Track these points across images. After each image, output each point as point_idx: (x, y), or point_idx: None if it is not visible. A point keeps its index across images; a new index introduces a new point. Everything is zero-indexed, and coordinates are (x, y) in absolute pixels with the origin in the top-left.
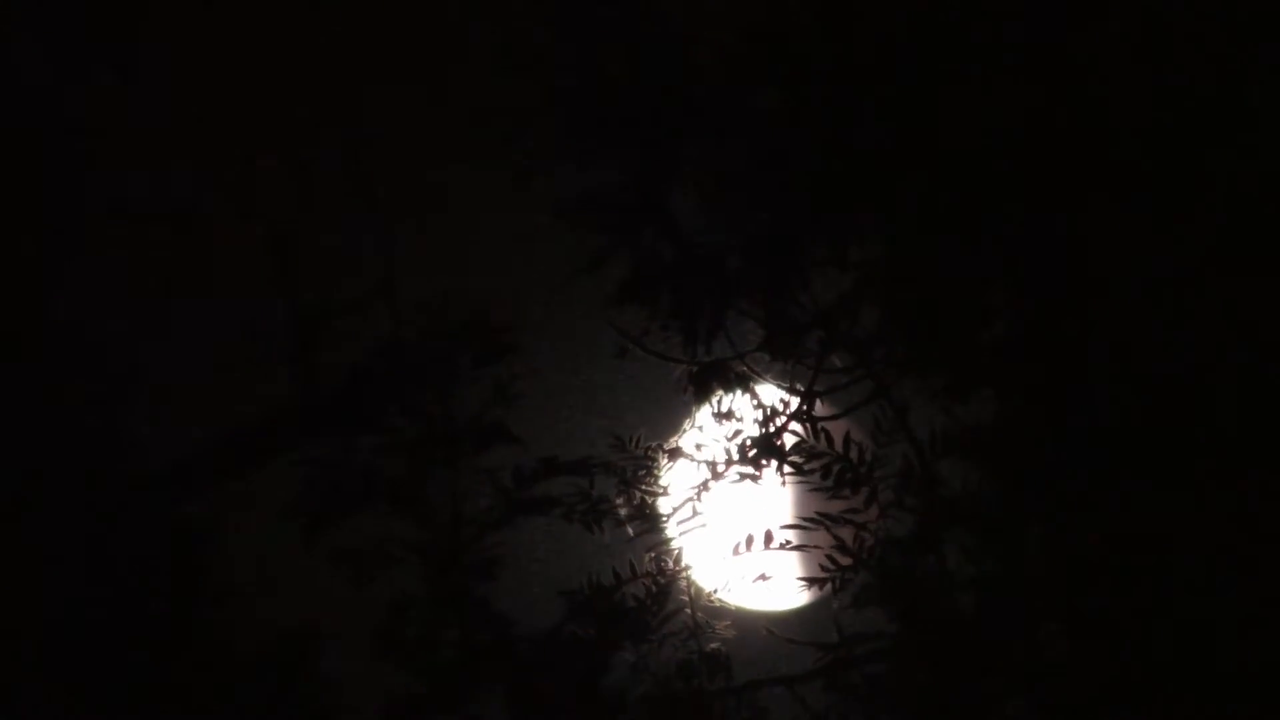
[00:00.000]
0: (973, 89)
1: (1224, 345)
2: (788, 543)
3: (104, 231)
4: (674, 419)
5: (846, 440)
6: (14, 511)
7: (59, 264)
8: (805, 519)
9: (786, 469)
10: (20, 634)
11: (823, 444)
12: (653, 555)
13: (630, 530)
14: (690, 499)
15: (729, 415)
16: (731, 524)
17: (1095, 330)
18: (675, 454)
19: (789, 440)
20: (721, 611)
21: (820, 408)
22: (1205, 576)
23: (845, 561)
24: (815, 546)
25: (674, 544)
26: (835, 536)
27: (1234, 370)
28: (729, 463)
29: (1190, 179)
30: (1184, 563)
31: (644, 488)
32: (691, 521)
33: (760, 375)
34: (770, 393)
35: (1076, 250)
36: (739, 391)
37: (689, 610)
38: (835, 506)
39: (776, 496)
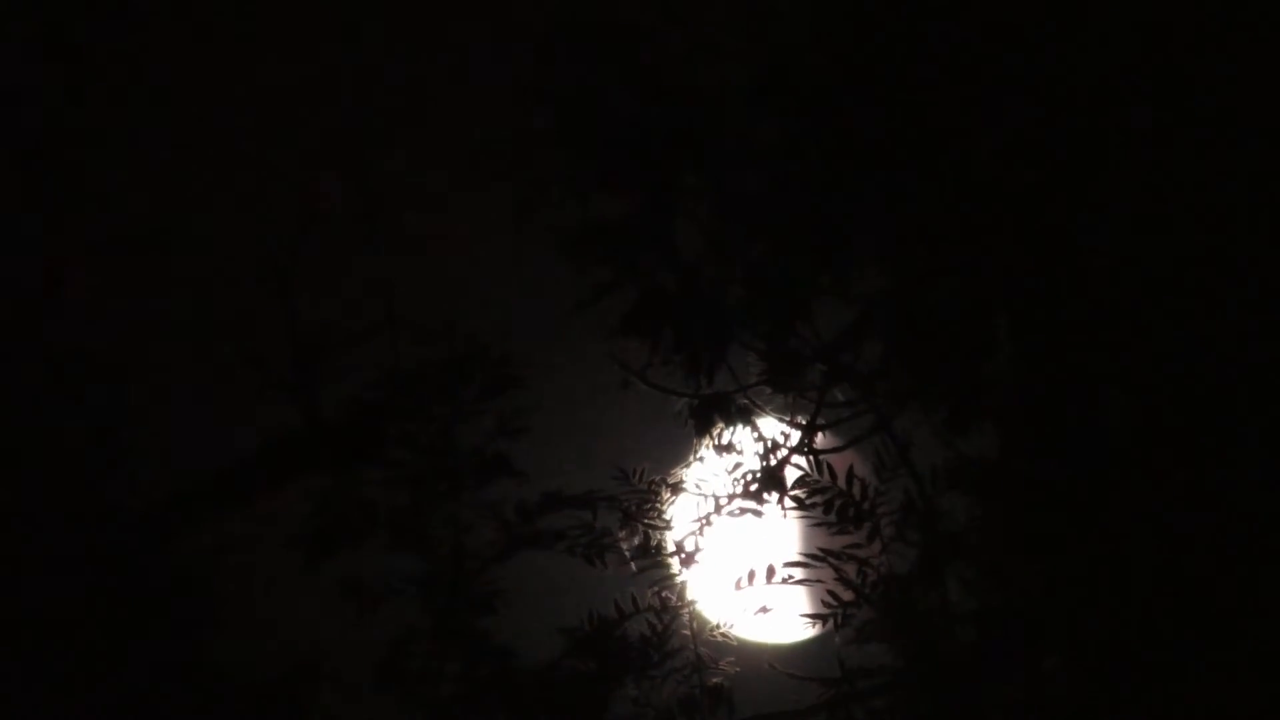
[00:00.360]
0: (973, 118)
1: (1226, 369)
2: (790, 577)
3: (105, 261)
4: (676, 452)
5: (849, 474)
6: (14, 543)
7: (58, 295)
8: (807, 554)
9: (788, 503)
10: (20, 664)
11: (825, 478)
12: (655, 589)
13: (633, 564)
14: (692, 533)
15: (731, 449)
16: (734, 558)
17: (1095, 361)
18: (678, 488)
19: (791, 474)
20: (724, 646)
21: (822, 441)
22: (1207, 610)
23: (847, 596)
24: (818, 581)
25: (676, 578)
26: (837, 571)
27: (1235, 395)
28: (731, 497)
29: (1188, 186)
30: (1185, 596)
31: (647, 521)
32: (694, 556)
33: (762, 409)
34: (772, 426)
35: (1077, 276)
36: (741, 425)
37: (692, 645)
38: (837, 541)
39: (779, 531)
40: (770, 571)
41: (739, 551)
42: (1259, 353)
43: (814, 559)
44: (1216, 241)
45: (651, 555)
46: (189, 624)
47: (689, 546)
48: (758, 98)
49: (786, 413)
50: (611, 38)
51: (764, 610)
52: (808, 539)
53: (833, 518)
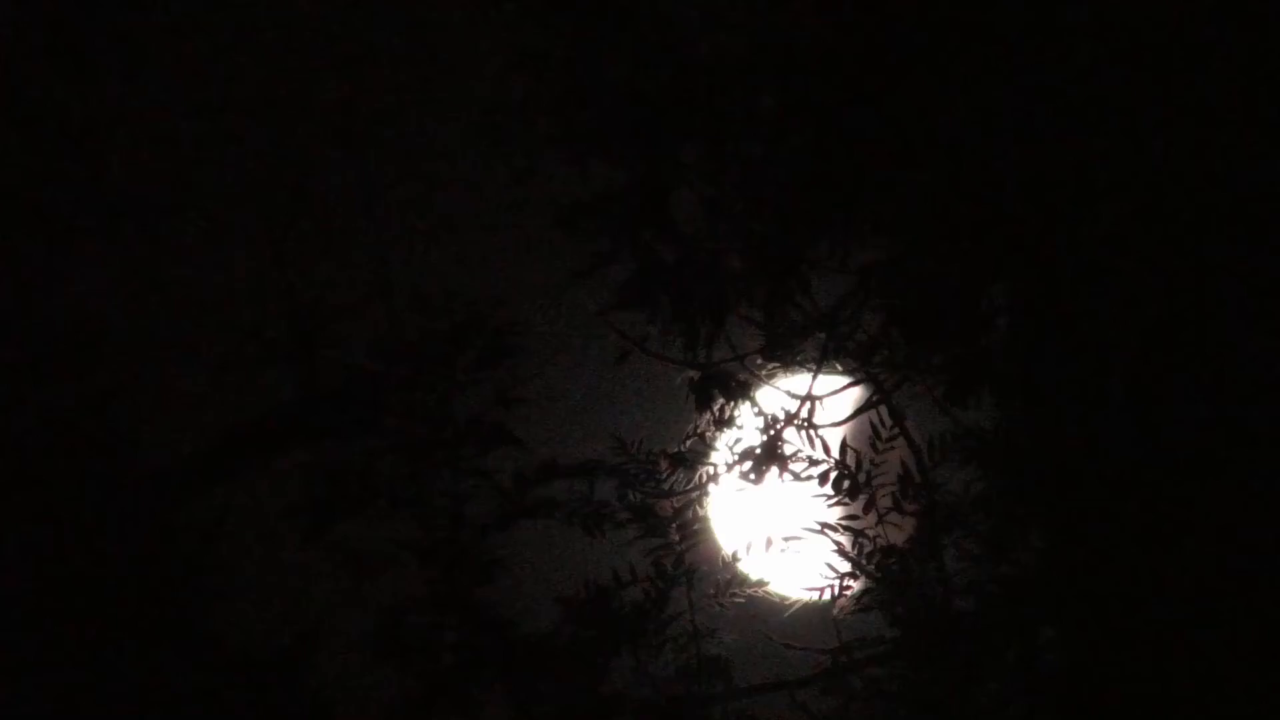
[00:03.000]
0: (972, 88)
1: (1225, 336)
2: (787, 548)
3: (103, 231)
4: (675, 423)
5: (844, 446)
6: (14, 511)
7: (57, 265)
8: (805, 525)
9: (786, 474)
10: (18, 632)
11: (821, 450)
12: (653, 559)
13: (630, 534)
14: (690, 503)
15: (729, 421)
16: (731, 529)
17: (1093, 331)
18: (676, 458)
19: (789, 446)
20: (721, 616)
21: (820, 413)
22: (1205, 578)
23: (845, 567)
24: (815, 551)
25: (674, 548)
26: (835, 542)
27: (1236, 362)
28: (729, 467)
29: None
30: (1184, 565)
31: (644, 491)
32: (692, 526)
33: (760, 380)
34: (770, 398)
35: (1076, 246)
36: (739, 397)
37: (689, 615)
38: (835, 512)
39: (776, 501)
40: (768, 542)
41: (736, 522)
42: (1257, 321)
43: (811, 529)
44: (1214, 211)
45: (649, 525)
46: (188, 592)
47: (687, 517)
48: (758, 68)
49: (784, 384)
50: (611, 6)
51: (762, 581)
52: (805, 510)
53: (829, 489)
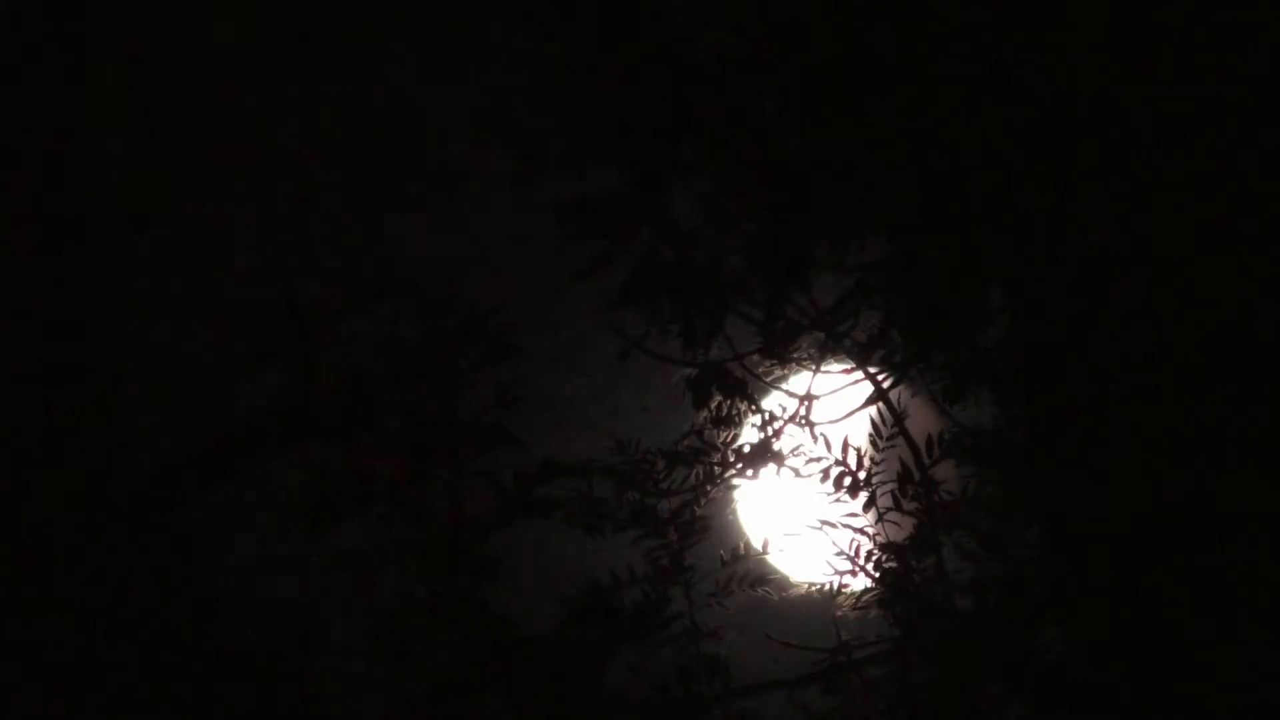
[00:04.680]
0: (971, 88)
1: (1226, 339)
2: (786, 546)
3: (100, 230)
4: (673, 422)
5: (844, 444)
6: (10, 512)
7: (55, 264)
8: (804, 523)
9: (785, 472)
10: (15, 635)
11: (821, 448)
12: (652, 558)
13: (630, 534)
14: (689, 502)
15: (728, 419)
16: (730, 527)
17: (1091, 329)
18: (674, 457)
19: (787, 444)
20: (720, 615)
21: (818, 411)
22: (1205, 576)
23: (844, 565)
24: (814, 550)
25: (673, 547)
26: (834, 541)
27: (1236, 365)
28: (727, 466)
29: (1190, 173)
30: (1184, 562)
31: (643, 491)
32: (690, 525)
33: (759, 378)
34: (769, 396)
35: (1076, 247)
36: (737, 395)
37: (688, 614)
38: (834, 510)
39: (775, 500)
40: (766, 541)
41: (735, 521)
42: (1254, 321)
43: (810, 528)
44: (1212, 213)
45: (648, 524)
46: (187, 594)
47: (685, 516)
48: (756, 69)
49: (783, 382)
50: (611, 7)
51: (760, 580)
52: (804, 509)
53: (829, 487)
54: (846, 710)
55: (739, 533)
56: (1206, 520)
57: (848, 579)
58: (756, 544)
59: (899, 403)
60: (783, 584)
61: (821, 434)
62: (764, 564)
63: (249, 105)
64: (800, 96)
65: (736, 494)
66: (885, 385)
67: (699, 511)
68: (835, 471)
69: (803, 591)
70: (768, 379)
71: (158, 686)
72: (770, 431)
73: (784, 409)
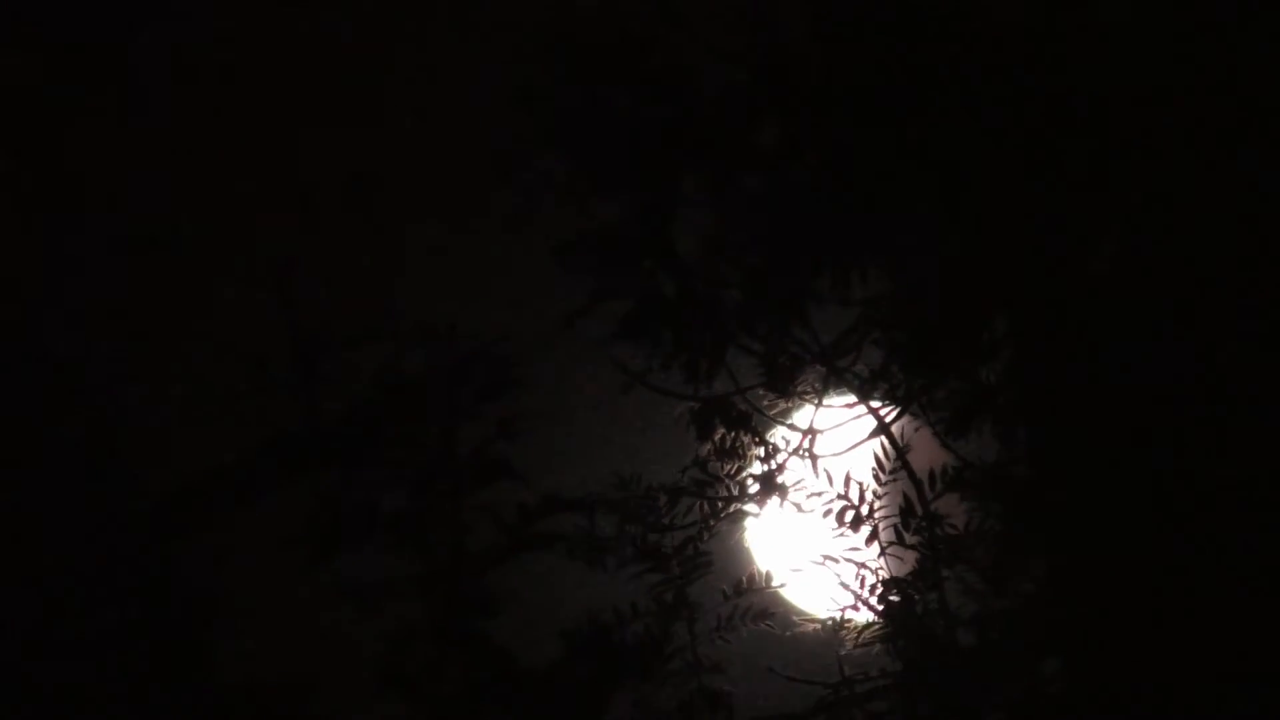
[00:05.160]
0: (973, 120)
1: (1225, 370)
2: (790, 580)
3: (106, 261)
4: (676, 456)
5: (846, 478)
6: (16, 539)
7: (60, 294)
8: (808, 557)
9: (788, 506)
10: (19, 661)
11: (824, 482)
12: (655, 593)
13: (632, 568)
14: (692, 537)
15: (731, 453)
16: (733, 562)
17: (1094, 364)
18: (677, 491)
19: (790, 478)
20: (723, 649)
21: (821, 445)
22: (1208, 611)
23: (847, 600)
24: (818, 584)
25: (675, 582)
26: (837, 575)
27: (1235, 396)
28: (730, 500)
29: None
30: (1186, 597)
31: (646, 525)
32: (693, 559)
33: (762, 412)
34: (771, 430)
35: (1078, 277)
36: (740, 429)
37: (690, 648)
38: (838, 544)
39: (778, 534)
40: (769, 575)
41: (738, 555)
42: (1260, 355)
43: (813, 562)
44: (1217, 243)
45: (650, 558)
46: (191, 623)
47: (688, 550)
48: (756, 101)
49: (786, 416)
50: (610, 40)
51: (764, 614)
52: (807, 543)
53: (831, 521)
54: None
55: (742, 567)
56: (1211, 554)
57: (851, 613)
58: (760, 578)
59: (902, 437)
60: (786, 618)
61: (824, 468)
62: (767, 598)
63: (253, 135)
64: (801, 128)
65: (740, 528)
66: (888, 419)
67: (702, 546)
68: (838, 505)
69: (806, 626)
70: (771, 413)
71: (160, 714)
72: (774, 465)
73: (787, 442)
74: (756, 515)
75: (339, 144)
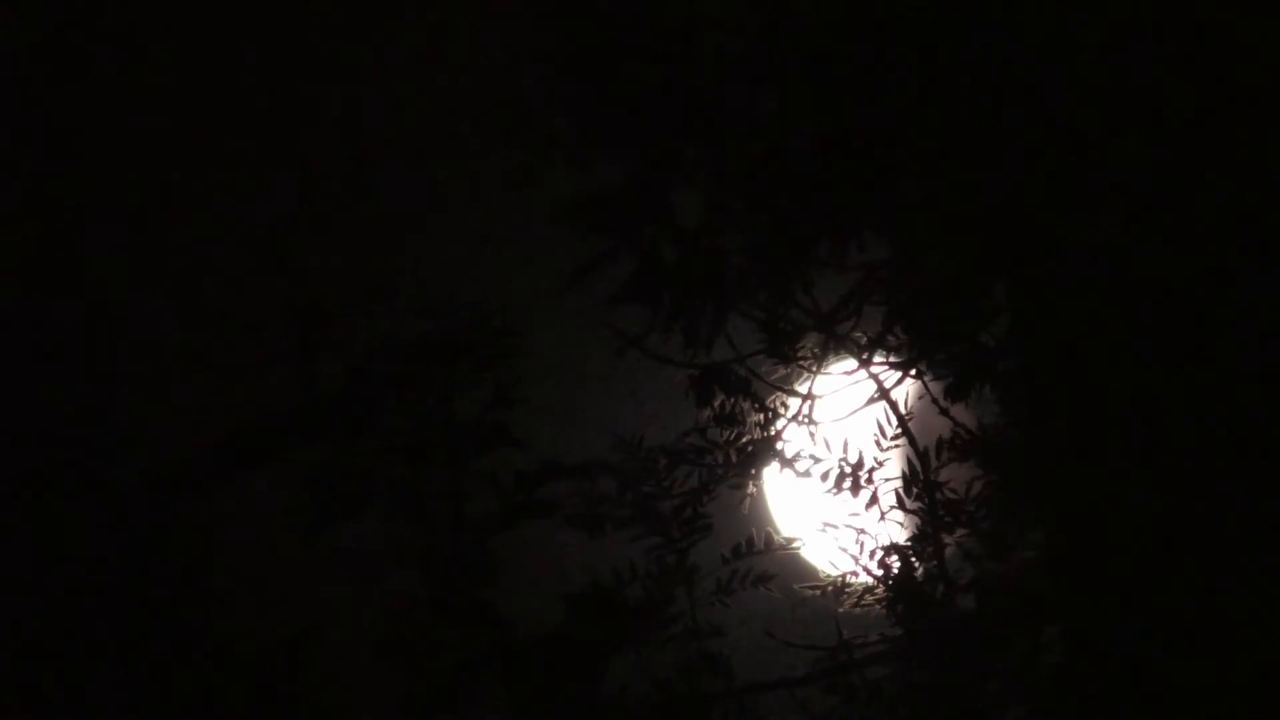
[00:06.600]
0: (972, 82)
1: (1232, 338)
2: (788, 545)
3: (103, 232)
4: (675, 421)
5: (845, 444)
6: (13, 511)
7: (58, 265)
8: (807, 522)
9: (788, 471)
10: (18, 634)
11: (824, 447)
12: (654, 558)
13: (631, 533)
14: (691, 501)
15: (730, 418)
16: (732, 526)
17: (1094, 328)
18: (676, 456)
19: (790, 444)
20: (722, 614)
21: (821, 411)
22: (1207, 577)
23: (846, 565)
24: (817, 549)
25: (675, 546)
26: (836, 540)
27: (1237, 363)
28: (730, 465)
29: (1190, 169)
30: (1185, 564)
31: (645, 490)
32: (692, 524)
33: (761, 378)
34: (771, 395)
35: (1079, 242)
36: (740, 393)
37: (690, 613)
38: (837, 509)
39: (778, 499)
40: (769, 540)
41: (737, 520)
42: (1258, 322)
43: (812, 527)
44: (1220, 208)
45: (650, 523)
46: (188, 593)
47: (687, 514)
48: (758, 66)
49: (786, 382)
50: (613, 4)
51: (763, 579)
52: (806, 508)
53: (831, 487)
54: (848, 709)
55: (742, 531)
56: (1211, 520)
57: (850, 578)
58: (759, 542)
59: (905, 402)
60: (786, 583)
61: (823, 434)
62: (767, 562)
63: (249, 102)
64: (802, 94)
65: (739, 493)
66: (888, 384)
67: (701, 510)
68: (837, 471)
69: (805, 590)
70: (771, 378)
71: (160, 686)
72: (773, 430)
73: (787, 407)
74: (756, 480)
75: (336, 110)
